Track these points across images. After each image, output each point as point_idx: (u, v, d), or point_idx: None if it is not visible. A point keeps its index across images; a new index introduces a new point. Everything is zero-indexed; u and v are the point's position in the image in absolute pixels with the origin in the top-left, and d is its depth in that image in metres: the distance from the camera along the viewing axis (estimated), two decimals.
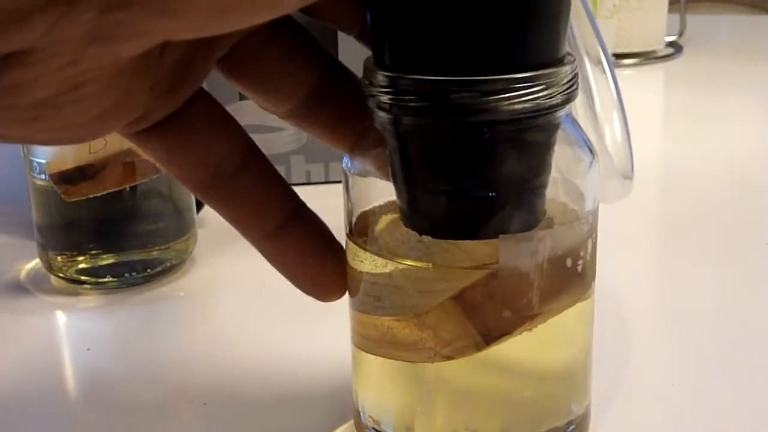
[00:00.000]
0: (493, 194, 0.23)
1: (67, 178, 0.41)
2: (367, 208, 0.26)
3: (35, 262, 0.45)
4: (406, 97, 0.22)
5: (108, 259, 0.43)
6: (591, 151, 0.25)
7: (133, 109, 0.22)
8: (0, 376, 0.35)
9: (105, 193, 0.41)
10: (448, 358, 0.25)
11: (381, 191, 0.25)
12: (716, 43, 1.11)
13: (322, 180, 0.58)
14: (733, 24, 1.26)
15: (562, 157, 0.24)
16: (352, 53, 0.24)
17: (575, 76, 0.24)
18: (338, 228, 0.27)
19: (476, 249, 0.24)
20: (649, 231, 0.52)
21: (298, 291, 0.27)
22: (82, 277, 0.43)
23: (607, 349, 0.35)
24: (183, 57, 0.22)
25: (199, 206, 0.46)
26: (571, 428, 0.27)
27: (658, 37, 0.97)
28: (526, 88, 0.22)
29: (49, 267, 0.43)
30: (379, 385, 0.27)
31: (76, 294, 0.43)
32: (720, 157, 0.64)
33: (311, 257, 0.27)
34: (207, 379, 0.35)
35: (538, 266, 0.24)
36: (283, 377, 0.34)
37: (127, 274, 0.43)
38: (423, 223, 0.24)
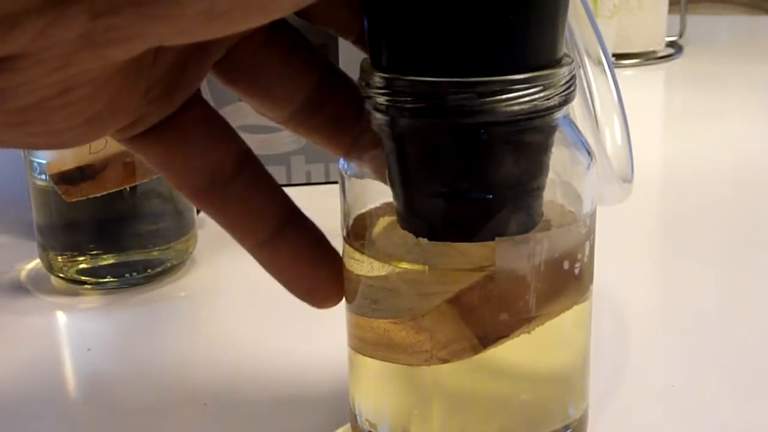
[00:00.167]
0: (490, 196, 0.23)
1: (67, 178, 0.41)
2: (363, 211, 0.26)
3: (35, 263, 0.45)
4: (403, 99, 0.22)
5: (108, 260, 0.43)
6: (589, 153, 0.25)
7: (125, 114, 0.22)
8: (0, 377, 0.35)
9: (105, 193, 0.41)
10: (445, 361, 0.25)
11: (378, 193, 0.25)
12: (716, 44, 1.11)
13: (323, 180, 0.58)
14: (733, 24, 1.26)
15: (559, 159, 0.24)
16: (354, 61, 0.24)
17: (573, 77, 0.23)
18: (338, 228, 0.27)
19: (473, 251, 0.24)
20: (649, 231, 0.52)
21: None
22: (83, 278, 0.43)
23: (606, 350, 0.35)
24: (178, 60, 0.22)
25: None
26: (568, 431, 0.27)
27: (659, 38, 0.97)
28: (524, 90, 0.22)
29: (50, 267, 0.43)
30: (376, 388, 0.27)
31: (76, 294, 0.43)
32: (720, 157, 0.64)
33: (306, 264, 0.26)
34: (207, 379, 0.35)
35: (535, 269, 0.24)
36: (283, 378, 0.34)
37: (127, 275, 0.43)
38: (420, 226, 0.24)
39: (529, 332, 0.24)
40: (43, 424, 0.32)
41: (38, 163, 0.41)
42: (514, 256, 0.23)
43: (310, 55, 0.26)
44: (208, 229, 0.47)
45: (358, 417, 0.28)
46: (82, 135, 0.20)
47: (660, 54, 0.97)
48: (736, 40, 1.15)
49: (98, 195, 0.41)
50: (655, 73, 0.94)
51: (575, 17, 0.38)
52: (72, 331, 0.40)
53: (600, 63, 0.39)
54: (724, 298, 0.42)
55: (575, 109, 0.33)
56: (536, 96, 0.22)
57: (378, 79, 0.23)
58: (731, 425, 0.31)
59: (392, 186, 0.24)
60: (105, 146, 0.40)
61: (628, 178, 0.36)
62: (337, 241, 0.27)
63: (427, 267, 0.24)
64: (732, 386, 0.33)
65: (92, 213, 0.42)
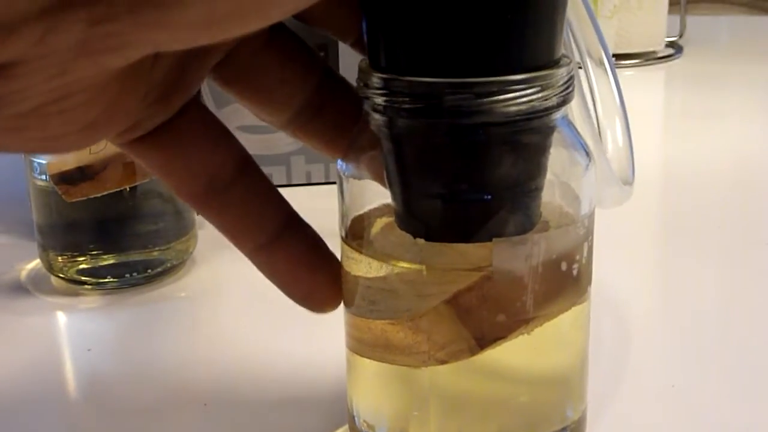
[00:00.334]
0: (488, 197, 0.23)
1: (67, 178, 0.41)
2: (361, 212, 0.25)
3: (36, 263, 0.45)
4: (401, 99, 0.22)
5: (108, 260, 0.43)
6: (587, 154, 0.25)
7: (123, 118, 0.22)
8: (0, 377, 0.35)
9: (105, 193, 0.41)
10: (443, 362, 0.25)
11: (376, 194, 0.25)
12: (716, 44, 1.11)
13: (323, 180, 0.58)
14: (733, 24, 1.26)
15: (557, 159, 0.24)
16: (354, 62, 0.24)
17: (571, 78, 0.23)
18: (338, 229, 0.27)
19: (471, 252, 0.24)
20: (649, 231, 0.52)
21: None
22: (83, 278, 0.43)
23: (605, 351, 0.35)
24: (176, 64, 0.22)
25: None
26: None
27: (659, 38, 0.97)
28: (522, 90, 0.22)
29: (50, 267, 0.43)
30: (374, 390, 0.27)
31: (76, 294, 0.43)
32: (720, 157, 0.64)
33: (305, 269, 0.26)
34: (207, 379, 0.35)
35: (533, 270, 0.24)
36: (282, 379, 0.34)
37: (127, 275, 0.43)
38: (417, 226, 0.24)
39: (526, 333, 0.24)
40: (43, 424, 0.32)
41: (38, 163, 0.41)
42: (512, 257, 0.23)
43: (309, 59, 0.26)
44: (208, 230, 0.47)
45: (356, 418, 0.28)
46: (79, 140, 0.20)
47: (660, 54, 0.97)
48: (736, 40, 1.15)
49: (98, 195, 0.41)
50: (655, 73, 0.94)
51: (576, 17, 0.38)
52: (72, 332, 0.40)
53: (601, 64, 0.39)
54: (724, 298, 0.42)
55: (574, 110, 0.33)
56: (534, 97, 0.22)
57: (376, 79, 0.23)
58: (731, 425, 0.31)
59: (390, 186, 0.24)
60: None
61: (628, 181, 0.36)
62: (337, 242, 0.27)
63: (424, 267, 0.24)
64: (732, 386, 0.33)
65: (92, 213, 0.42)
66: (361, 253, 0.25)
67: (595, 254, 0.26)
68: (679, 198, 0.56)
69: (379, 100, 0.23)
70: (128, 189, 0.42)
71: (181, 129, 0.24)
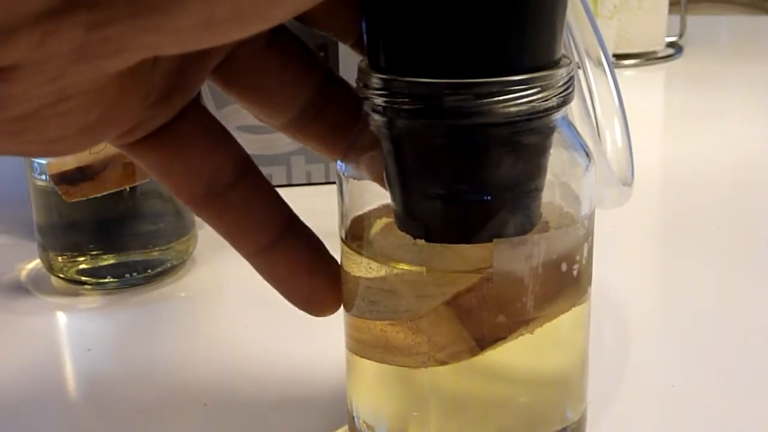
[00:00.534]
0: (488, 198, 0.23)
1: (67, 178, 0.41)
2: (361, 212, 0.25)
3: (36, 263, 0.45)
4: (400, 100, 0.22)
5: (108, 260, 0.43)
6: (587, 154, 0.25)
7: (123, 120, 0.22)
8: (0, 377, 0.35)
9: (105, 193, 0.41)
10: (443, 363, 0.24)
11: (376, 195, 0.24)
12: (716, 44, 1.11)
13: (323, 180, 0.58)
14: (733, 24, 1.26)
15: (557, 160, 0.24)
16: (354, 62, 0.24)
17: (571, 78, 0.23)
18: (338, 229, 0.27)
19: (471, 253, 0.24)
20: (649, 231, 0.52)
21: None
22: (83, 278, 0.43)
23: (606, 351, 0.35)
24: (177, 66, 0.22)
25: None
26: None
27: (659, 38, 0.97)
28: (521, 91, 0.22)
29: (50, 267, 0.43)
30: (373, 390, 0.27)
31: (76, 294, 0.43)
32: (720, 157, 0.64)
33: (305, 273, 0.26)
34: (207, 379, 0.35)
35: (533, 270, 0.24)
36: (282, 379, 0.34)
37: (127, 275, 0.43)
38: (417, 227, 0.23)
39: (526, 334, 0.24)
40: (43, 424, 0.32)
41: (38, 163, 0.41)
42: (512, 257, 0.23)
43: (310, 60, 0.26)
44: (208, 230, 0.46)
45: (355, 419, 0.28)
46: (78, 143, 0.20)
47: (660, 54, 0.97)
48: (736, 40, 1.15)
49: (98, 195, 0.41)
50: (655, 73, 0.94)
51: (575, 18, 0.38)
52: (72, 332, 0.40)
53: (600, 64, 0.39)
54: (724, 298, 0.42)
55: (574, 110, 0.33)
56: (534, 97, 0.22)
57: (375, 80, 0.23)
58: (731, 425, 0.31)
59: (390, 187, 0.24)
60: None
61: (627, 182, 0.36)
62: (336, 242, 0.27)
63: (424, 268, 0.24)
64: (732, 386, 0.33)
65: (92, 213, 0.42)
66: (360, 253, 0.25)
67: (594, 254, 0.26)
68: (679, 198, 0.56)
69: (379, 100, 0.23)
70: (128, 189, 0.42)
71: (181, 131, 0.24)
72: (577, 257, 0.25)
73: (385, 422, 0.27)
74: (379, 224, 0.25)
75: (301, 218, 0.27)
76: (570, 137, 0.25)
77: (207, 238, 0.46)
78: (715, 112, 0.77)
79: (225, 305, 0.43)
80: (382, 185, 0.24)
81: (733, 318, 0.39)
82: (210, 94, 0.53)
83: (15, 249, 0.48)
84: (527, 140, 0.23)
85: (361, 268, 0.25)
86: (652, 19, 0.95)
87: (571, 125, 0.25)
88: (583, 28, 0.38)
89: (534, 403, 0.26)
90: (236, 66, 0.24)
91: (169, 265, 0.44)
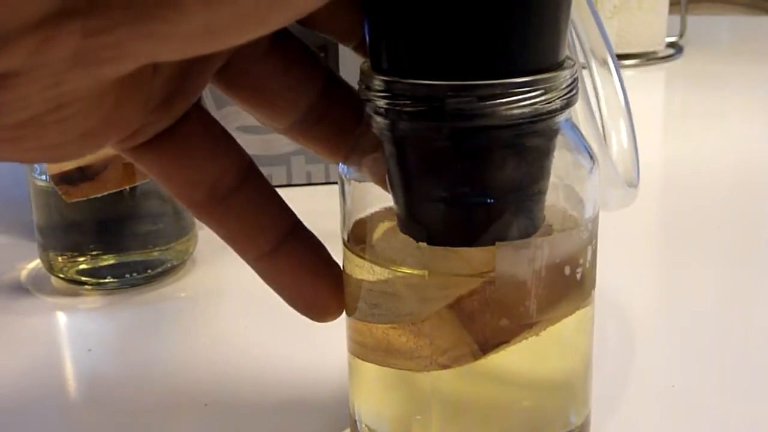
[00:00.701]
0: (491, 201, 0.23)
1: (67, 178, 0.41)
2: (363, 215, 0.25)
3: (36, 263, 0.45)
4: (403, 102, 0.22)
5: (109, 260, 0.43)
6: (591, 156, 0.25)
7: (123, 126, 0.21)
8: (0, 377, 0.35)
9: (105, 193, 0.41)
10: (445, 366, 0.24)
11: (378, 197, 0.24)
12: (716, 44, 1.11)
13: (323, 181, 0.58)
14: (733, 24, 1.26)
15: (561, 162, 0.24)
16: (354, 63, 0.24)
17: (575, 80, 0.23)
18: (339, 230, 0.27)
19: (474, 256, 0.24)
20: (649, 231, 0.52)
21: None
22: (83, 278, 0.43)
23: (609, 352, 0.35)
24: (177, 71, 0.22)
25: None
26: None
27: (659, 38, 0.97)
28: (525, 93, 0.22)
29: (50, 267, 0.43)
30: (376, 394, 0.27)
31: (76, 295, 0.43)
32: (720, 157, 0.64)
33: (308, 278, 0.26)
34: (207, 380, 0.35)
35: (536, 274, 0.23)
36: (284, 379, 0.34)
37: (127, 275, 0.43)
38: (420, 230, 0.23)
39: (529, 338, 0.24)
40: (43, 424, 0.32)
41: (39, 163, 0.41)
42: (515, 261, 0.23)
43: (312, 63, 0.25)
44: (208, 230, 0.46)
45: (357, 422, 0.27)
46: (78, 149, 0.20)
47: (660, 54, 0.97)
48: (736, 40, 1.15)
49: (98, 195, 0.41)
50: (656, 73, 0.94)
51: (580, 18, 0.38)
52: (72, 332, 0.40)
53: (605, 64, 0.39)
54: (724, 298, 0.42)
55: (579, 111, 0.33)
56: (537, 99, 0.22)
57: (378, 82, 0.22)
58: (731, 425, 0.31)
59: (392, 190, 0.24)
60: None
61: (633, 183, 0.36)
62: (337, 243, 0.27)
63: (427, 272, 0.24)
64: (732, 386, 0.33)
65: (92, 213, 0.42)
66: (363, 257, 0.25)
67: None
68: (679, 198, 0.56)
69: (381, 102, 0.23)
70: (128, 189, 0.42)
71: (183, 135, 0.24)
72: (581, 260, 0.25)
73: (388, 426, 0.27)
74: (381, 227, 0.25)
75: (301, 218, 0.27)
76: (574, 139, 0.24)
77: (207, 238, 0.46)
78: (716, 112, 0.77)
79: (225, 306, 0.43)
80: (385, 188, 0.24)
81: (733, 318, 0.39)
82: (210, 94, 0.53)
83: (15, 249, 0.48)
84: (530, 143, 0.23)
85: (363, 271, 0.25)
86: (653, 19, 0.95)
87: (575, 127, 0.25)
88: (588, 27, 0.38)
89: (537, 408, 0.26)
90: (238, 70, 0.24)
91: (169, 265, 0.44)
